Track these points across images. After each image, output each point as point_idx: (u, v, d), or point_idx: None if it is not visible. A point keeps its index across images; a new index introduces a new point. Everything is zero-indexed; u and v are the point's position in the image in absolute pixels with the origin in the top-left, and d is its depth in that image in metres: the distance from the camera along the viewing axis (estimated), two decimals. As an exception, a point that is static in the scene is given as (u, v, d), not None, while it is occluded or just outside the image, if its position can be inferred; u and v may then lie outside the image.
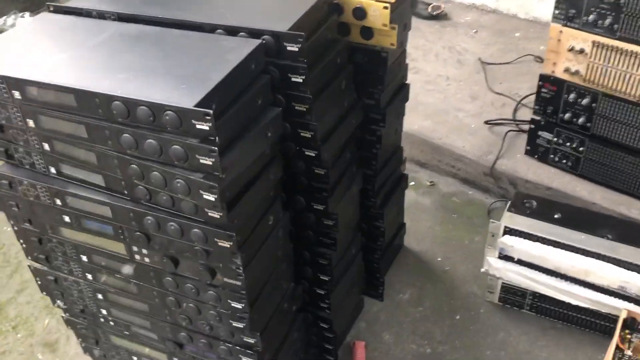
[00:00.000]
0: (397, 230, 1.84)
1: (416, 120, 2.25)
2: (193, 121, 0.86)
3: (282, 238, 1.20)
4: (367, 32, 1.24)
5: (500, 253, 1.59)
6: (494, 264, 1.61)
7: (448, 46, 2.70)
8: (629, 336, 1.30)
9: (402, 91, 1.53)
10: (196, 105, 0.86)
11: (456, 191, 2.15)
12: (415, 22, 2.96)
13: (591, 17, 1.63)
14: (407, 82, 1.55)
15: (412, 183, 2.18)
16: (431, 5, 2.91)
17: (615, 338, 1.28)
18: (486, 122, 2.19)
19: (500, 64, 2.52)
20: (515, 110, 2.23)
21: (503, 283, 1.65)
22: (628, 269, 1.43)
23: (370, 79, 1.32)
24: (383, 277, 1.72)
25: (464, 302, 1.73)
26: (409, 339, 1.65)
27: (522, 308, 1.67)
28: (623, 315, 1.30)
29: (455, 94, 2.39)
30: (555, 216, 1.56)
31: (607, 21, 1.60)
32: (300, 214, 1.28)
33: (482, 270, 1.65)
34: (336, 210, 1.28)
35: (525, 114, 2.16)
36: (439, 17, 2.90)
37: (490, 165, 2.02)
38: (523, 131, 2.08)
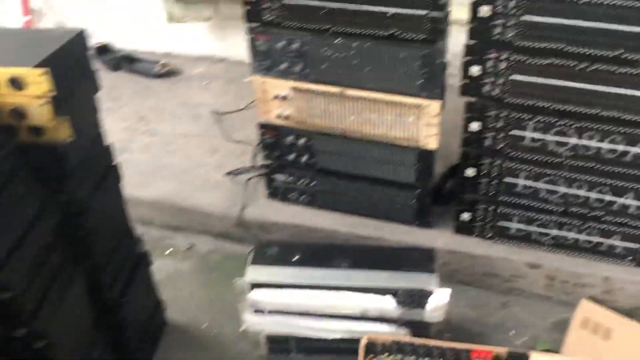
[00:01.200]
0: (154, 309, 1.74)
1: (162, 185, 2.18)
2: None
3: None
4: (36, 130, 1.14)
5: (253, 308, 1.59)
6: (251, 320, 1.60)
7: (182, 102, 2.69)
8: None
9: (110, 174, 1.45)
10: None
11: (214, 248, 2.13)
12: (145, 82, 2.94)
13: (284, 65, 1.72)
14: (114, 163, 1.47)
15: (170, 250, 2.11)
16: (159, 64, 2.88)
17: (362, 365, 1.34)
18: (227, 174, 2.20)
19: (235, 111, 2.58)
20: (254, 156, 2.28)
21: (266, 335, 1.65)
22: (364, 293, 1.52)
23: (55, 176, 1.22)
24: (146, 366, 1.62)
25: (236, 363, 1.71)
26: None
27: (290, 353, 1.69)
28: (363, 342, 1.37)
29: (195, 150, 2.38)
30: (295, 258, 1.60)
31: (298, 67, 1.71)
32: (6, 346, 1.13)
33: (241, 329, 1.63)
34: (49, 328, 1.16)
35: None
36: (169, 73, 2.88)
37: (237, 215, 2.03)
38: (263, 175, 2.13)
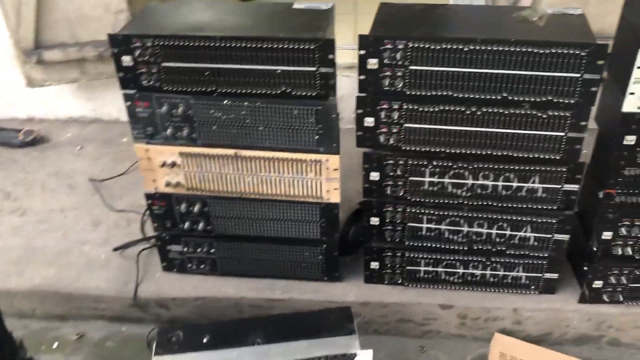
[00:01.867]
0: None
1: (37, 271, 1.94)
2: None
3: None
4: None
5: (163, 404, 1.42)
6: (162, 418, 1.44)
7: (54, 172, 2.45)
8: None
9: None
10: None
11: (109, 334, 1.91)
12: (7, 153, 2.64)
13: (169, 131, 1.60)
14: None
15: (56, 344, 1.87)
16: (22, 131, 2.61)
17: None
18: (115, 249, 2.01)
19: (115, 177, 2.38)
20: (143, 224, 2.11)
21: None
22: (285, 367, 1.42)
23: None
24: None
25: None
26: None
27: None
28: None
29: (74, 226, 2.15)
30: (205, 340, 1.47)
31: (185, 132, 1.60)
32: None
33: None
34: None
35: (153, 226, 2.06)
36: (35, 142, 2.61)
37: (132, 295, 1.85)
38: (156, 247, 1.97)
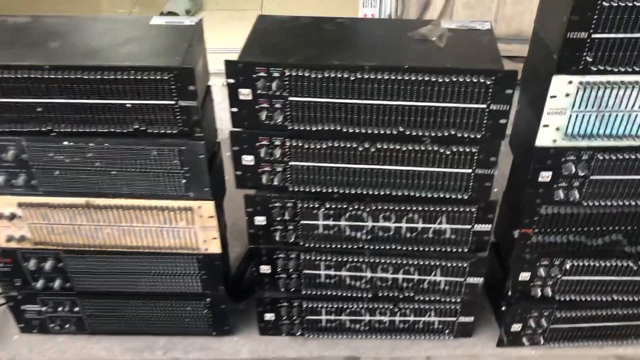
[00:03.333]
0: None
1: None
2: None
3: None
4: None
5: None
6: None
7: None
8: None
9: None
10: None
11: (-43, 411, 1.60)
12: None
13: (1, 178, 1.30)
14: None
15: None
16: None
17: None
18: (-37, 308, 1.68)
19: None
20: None
21: None
22: None
23: None
24: None
25: None
26: None
27: None
28: None
29: None
30: None
31: (22, 179, 1.30)
32: None
33: None
34: None
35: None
36: None
37: (-18, 365, 1.54)
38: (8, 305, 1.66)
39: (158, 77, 1.16)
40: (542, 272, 1.42)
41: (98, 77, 1.16)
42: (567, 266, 1.40)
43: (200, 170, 1.28)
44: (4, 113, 1.21)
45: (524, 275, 1.44)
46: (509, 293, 1.47)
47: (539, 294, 1.45)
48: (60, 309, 1.54)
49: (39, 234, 1.38)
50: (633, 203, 1.29)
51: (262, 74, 1.18)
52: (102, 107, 1.20)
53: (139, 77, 1.16)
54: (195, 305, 1.52)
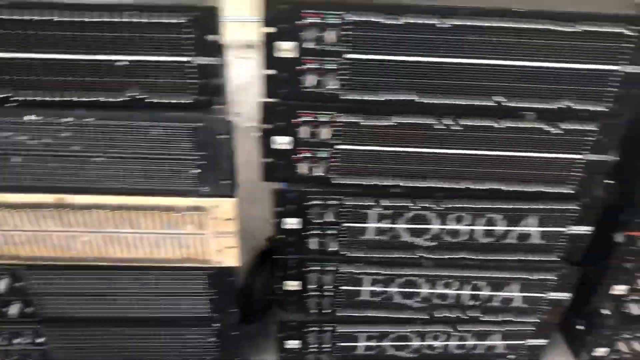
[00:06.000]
0: None
1: None
2: None
3: None
4: None
5: None
6: None
7: None
8: None
9: None
10: None
11: None
12: None
13: None
14: None
15: None
16: None
17: None
18: None
19: None
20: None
21: None
22: None
23: None
24: None
25: None
26: None
27: None
28: None
29: None
30: None
31: (-36, 168, 0.92)
32: None
33: None
34: None
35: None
36: None
37: None
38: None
39: (167, 21, 0.81)
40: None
41: (77, 20, 0.80)
42: (677, 277, 1.12)
43: (219, 155, 0.93)
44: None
45: (620, 289, 1.15)
46: (600, 309, 1.18)
47: (637, 311, 1.17)
48: (18, 340, 1.17)
49: (-9, 244, 1.01)
50: None
51: (312, 19, 0.84)
52: (83, 66, 0.84)
53: (138, 21, 0.81)
54: (200, 333, 1.18)
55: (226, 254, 1.05)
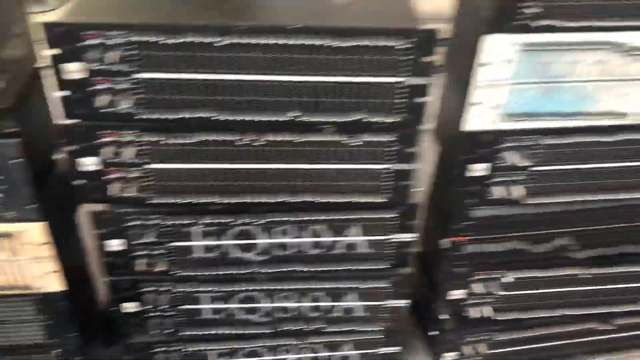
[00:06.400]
0: None
1: None
2: None
3: None
4: None
5: None
6: None
7: None
8: None
9: None
10: None
11: None
12: None
13: None
14: None
15: None
16: None
17: None
18: None
19: None
20: None
21: None
22: None
23: None
24: None
25: None
26: None
27: None
28: None
29: None
30: None
31: None
32: None
33: None
34: None
35: None
36: None
37: None
38: None
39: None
40: (478, 288, 1.16)
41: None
42: (508, 279, 1.15)
43: (16, 179, 0.91)
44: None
45: (456, 293, 1.18)
46: (439, 315, 1.20)
47: (477, 314, 1.19)
48: None
49: None
50: (589, 198, 1.06)
51: (94, 40, 0.84)
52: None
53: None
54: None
55: (49, 279, 1.03)
